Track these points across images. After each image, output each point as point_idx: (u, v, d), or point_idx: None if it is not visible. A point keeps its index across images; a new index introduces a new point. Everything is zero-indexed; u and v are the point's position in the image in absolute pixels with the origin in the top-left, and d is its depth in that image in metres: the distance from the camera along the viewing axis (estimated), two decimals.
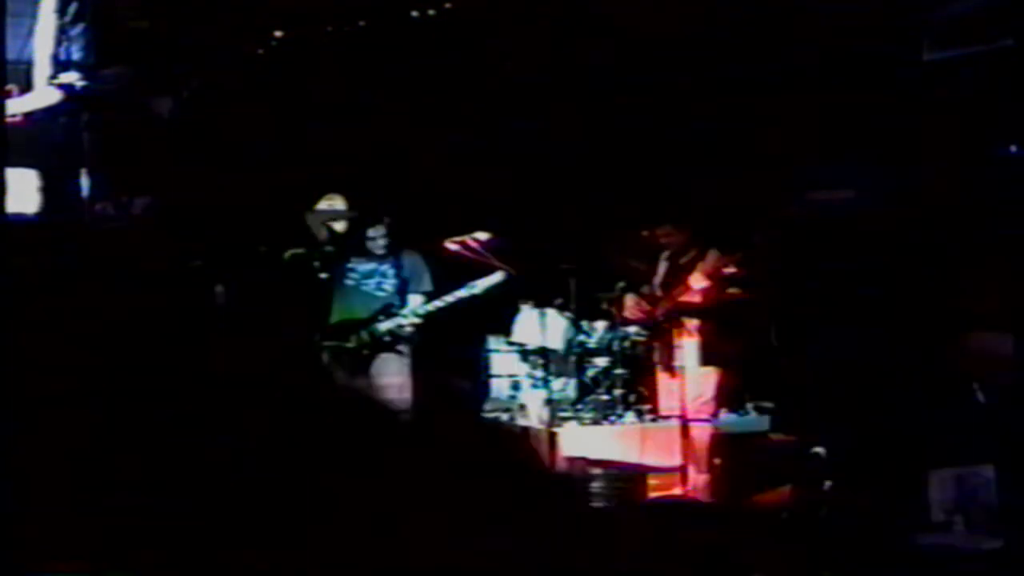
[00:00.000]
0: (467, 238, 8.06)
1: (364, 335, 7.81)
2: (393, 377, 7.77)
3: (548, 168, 8.78)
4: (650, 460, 7.54)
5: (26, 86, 5.26)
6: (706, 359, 7.42)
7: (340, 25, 8.24)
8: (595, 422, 8.32)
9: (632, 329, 8.26)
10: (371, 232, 7.92)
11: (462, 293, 7.76)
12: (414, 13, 8.09)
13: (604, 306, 8.76)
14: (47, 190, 5.22)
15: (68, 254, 5.29)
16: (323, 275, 7.94)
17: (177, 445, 4.67)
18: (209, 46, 7.83)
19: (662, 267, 7.78)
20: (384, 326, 7.79)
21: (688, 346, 7.48)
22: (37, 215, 5.19)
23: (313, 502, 4.26)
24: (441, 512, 4.03)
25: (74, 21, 5.33)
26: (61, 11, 5.32)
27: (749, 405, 8.21)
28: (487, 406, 8.80)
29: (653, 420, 8.06)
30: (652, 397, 8.11)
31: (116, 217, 6.27)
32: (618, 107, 8.57)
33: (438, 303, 7.77)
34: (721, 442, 7.33)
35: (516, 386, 8.80)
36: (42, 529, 3.92)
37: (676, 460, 7.39)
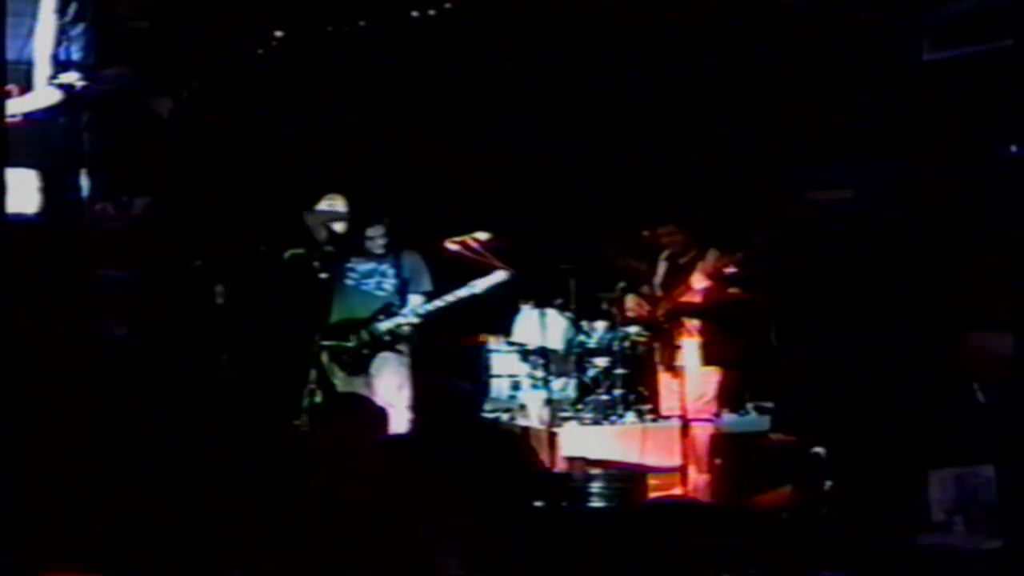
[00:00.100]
0: (467, 238, 8.07)
1: (364, 334, 7.82)
2: (392, 377, 7.78)
3: (548, 168, 8.78)
4: (650, 460, 7.55)
5: (26, 86, 5.27)
6: (707, 359, 7.42)
7: (340, 25, 8.24)
8: (595, 422, 8.33)
9: (633, 329, 8.27)
10: (370, 232, 7.93)
11: (462, 292, 7.76)
12: (414, 13, 8.09)
13: (604, 306, 8.76)
14: (47, 190, 5.22)
15: (68, 254, 5.30)
16: (323, 275, 7.94)
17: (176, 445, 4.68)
18: (209, 46, 7.82)
19: (662, 267, 7.79)
20: (384, 325, 7.79)
21: (689, 346, 7.49)
22: (37, 215, 5.19)
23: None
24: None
25: (74, 21, 5.33)
26: (61, 11, 5.32)
27: (749, 405, 8.22)
28: (487, 406, 8.80)
29: (653, 420, 8.07)
30: (653, 397, 8.12)
31: (116, 217, 6.27)
32: (618, 107, 8.57)
33: (438, 303, 7.78)
34: (721, 442, 7.33)
35: (516, 386, 8.81)
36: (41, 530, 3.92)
37: (676, 460, 7.39)
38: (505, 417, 8.64)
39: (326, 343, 7.84)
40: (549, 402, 8.36)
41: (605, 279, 8.67)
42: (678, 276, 7.58)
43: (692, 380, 7.45)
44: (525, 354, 8.78)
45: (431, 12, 8.04)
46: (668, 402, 7.70)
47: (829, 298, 7.62)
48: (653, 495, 7.10)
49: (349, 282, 7.97)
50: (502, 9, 8.16)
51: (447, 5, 8.00)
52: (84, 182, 5.47)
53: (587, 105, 8.58)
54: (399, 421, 7.38)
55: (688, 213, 7.83)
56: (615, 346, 8.54)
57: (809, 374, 7.56)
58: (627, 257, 8.31)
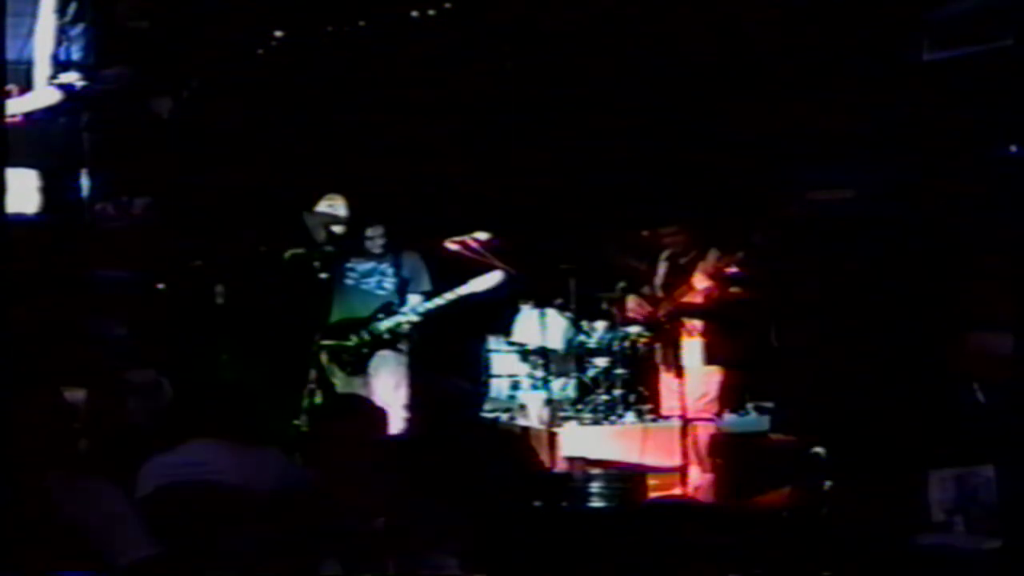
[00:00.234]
0: (467, 238, 8.07)
1: (364, 334, 7.82)
2: (389, 377, 7.78)
3: (548, 168, 8.77)
4: (650, 460, 7.55)
5: (26, 86, 5.27)
6: (709, 358, 7.43)
7: (340, 25, 8.23)
8: (595, 422, 8.32)
9: (633, 329, 8.26)
10: (369, 231, 7.94)
11: (462, 291, 7.77)
12: (414, 13, 8.09)
13: (604, 306, 8.76)
14: (47, 190, 5.23)
15: (68, 254, 5.31)
16: (323, 275, 7.95)
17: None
18: (209, 46, 7.83)
19: (663, 267, 7.79)
20: (384, 324, 7.80)
21: (690, 346, 7.49)
22: (37, 215, 5.20)
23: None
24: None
25: (74, 21, 5.34)
26: (61, 11, 5.33)
27: (749, 405, 8.21)
28: (487, 406, 8.80)
29: (653, 420, 8.07)
30: (654, 397, 8.12)
31: (116, 217, 6.27)
32: (618, 107, 8.57)
33: (439, 301, 7.79)
34: (721, 442, 7.33)
35: (516, 386, 8.80)
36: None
37: (676, 460, 7.39)
38: (505, 417, 8.64)
39: (326, 343, 7.85)
40: (549, 402, 8.36)
41: (605, 279, 8.67)
42: (679, 276, 7.58)
43: (693, 380, 7.46)
44: (525, 354, 8.78)
45: (431, 12, 8.04)
46: (669, 402, 7.70)
47: (829, 298, 7.61)
48: (653, 495, 7.09)
49: (349, 282, 7.98)
50: (502, 9, 8.16)
51: (447, 5, 8.00)
52: (84, 182, 5.48)
53: (587, 105, 8.57)
54: (395, 421, 7.39)
55: (688, 213, 7.83)
56: (615, 346, 8.54)
57: (809, 374, 7.55)
58: (627, 257, 8.31)
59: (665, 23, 7.96)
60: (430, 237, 8.21)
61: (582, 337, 8.72)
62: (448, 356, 8.40)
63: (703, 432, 7.34)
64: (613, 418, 8.31)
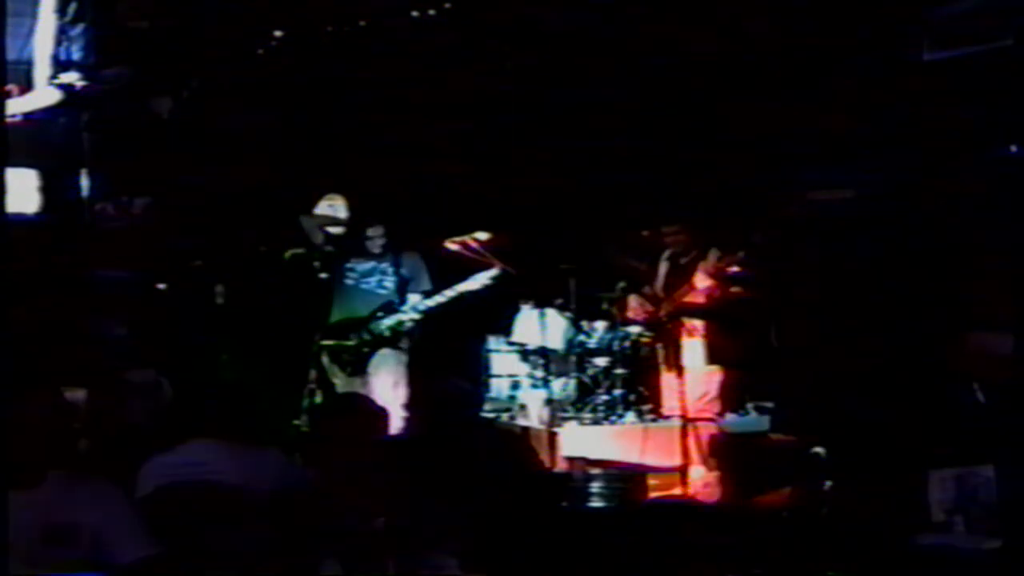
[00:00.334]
0: (467, 238, 8.08)
1: (364, 333, 7.83)
2: (388, 376, 7.78)
3: (548, 168, 8.77)
4: (650, 460, 7.54)
5: (26, 86, 5.27)
6: (711, 358, 7.43)
7: (340, 25, 8.23)
8: (595, 422, 8.32)
9: (633, 329, 8.26)
10: (369, 231, 7.95)
11: (462, 287, 7.78)
12: (414, 13, 8.08)
13: (604, 306, 8.76)
14: (47, 190, 5.23)
15: (68, 254, 5.31)
16: (323, 275, 7.95)
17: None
18: (209, 46, 7.83)
19: (664, 267, 7.79)
20: (385, 322, 7.81)
21: (691, 346, 7.49)
22: (37, 215, 5.20)
23: None
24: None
25: (74, 21, 5.34)
26: (61, 11, 5.33)
27: (749, 405, 8.21)
28: (487, 406, 8.80)
29: (653, 420, 8.06)
30: (655, 397, 8.12)
31: (116, 217, 6.27)
32: (618, 107, 8.57)
33: (439, 298, 7.80)
34: (721, 442, 7.33)
35: (516, 386, 8.80)
36: None
37: (676, 460, 7.39)
38: (505, 417, 8.64)
39: (327, 343, 7.85)
40: (549, 402, 8.35)
41: (605, 279, 8.67)
42: (680, 276, 7.58)
43: (694, 380, 7.46)
44: (525, 354, 8.78)
45: (431, 12, 8.04)
46: (670, 402, 7.70)
47: (829, 298, 7.62)
48: (653, 495, 7.09)
49: (349, 282, 7.98)
50: (502, 9, 8.15)
51: (447, 5, 8.00)
52: (84, 182, 5.48)
53: (587, 105, 8.57)
54: (395, 420, 7.38)
55: (689, 213, 7.83)
56: (615, 346, 8.53)
57: (809, 374, 7.56)
58: (627, 257, 8.31)
59: (665, 23, 7.96)
60: (430, 237, 8.21)
61: (582, 337, 8.71)
62: (448, 356, 8.39)
63: (704, 432, 7.34)
64: (613, 418, 8.31)
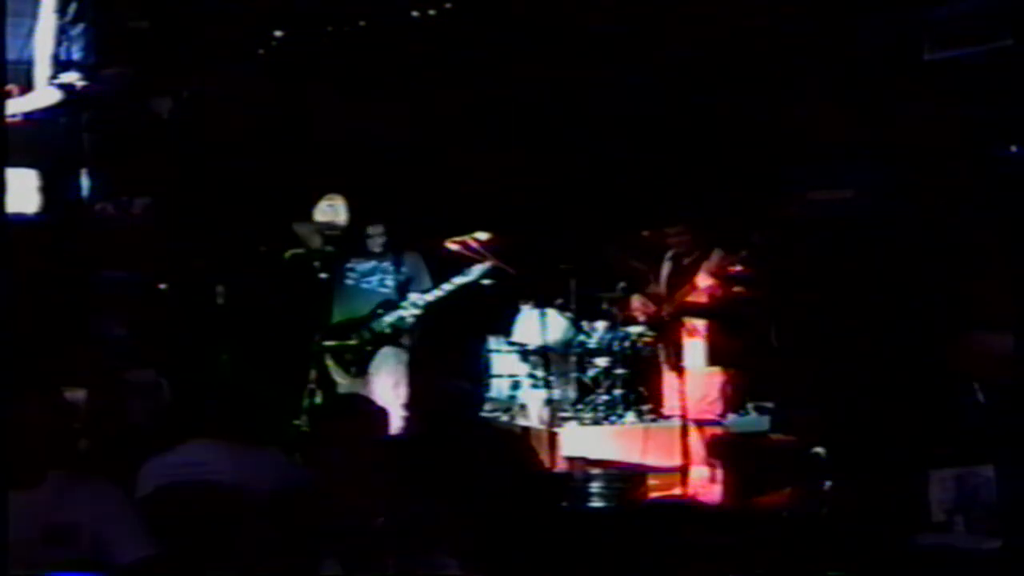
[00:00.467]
0: (467, 238, 8.08)
1: (365, 333, 7.84)
2: (388, 376, 7.79)
3: (548, 168, 8.78)
4: (650, 460, 7.54)
5: (26, 86, 5.27)
6: (713, 359, 7.43)
7: (340, 25, 8.24)
8: (595, 422, 8.32)
9: (634, 329, 8.26)
10: (369, 231, 7.96)
11: (459, 280, 7.79)
12: (414, 13, 8.09)
13: (604, 306, 8.76)
14: (47, 190, 5.23)
15: (68, 254, 5.31)
16: (323, 275, 7.95)
17: None
18: (209, 46, 7.83)
19: (666, 267, 7.79)
20: (387, 319, 7.83)
21: (692, 346, 7.49)
22: (37, 215, 5.20)
23: None
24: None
25: (74, 21, 5.34)
26: (61, 11, 5.33)
27: (749, 405, 8.21)
28: (487, 406, 8.80)
29: (653, 420, 8.06)
30: (656, 397, 8.12)
31: (116, 217, 6.28)
32: (618, 107, 8.57)
33: (438, 292, 7.81)
34: (722, 442, 7.33)
35: (516, 386, 8.79)
36: None
37: (676, 460, 7.39)
38: (505, 417, 8.63)
39: (329, 343, 7.86)
40: (549, 402, 8.35)
41: (605, 279, 8.67)
42: (683, 276, 7.59)
43: (695, 380, 7.46)
44: (525, 354, 8.78)
45: (431, 12, 8.04)
46: (671, 402, 7.70)
47: (829, 298, 7.62)
48: (653, 495, 7.09)
49: (349, 282, 7.99)
50: (502, 9, 8.16)
51: (447, 5, 8.00)
52: (84, 182, 5.48)
53: (588, 105, 8.58)
54: (395, 420, 7.39)
55: (690, 213, 7.83)
56: (615, 346, 8.53)
57: (809, 374, 7.56)
58: (628, 257, 8.31)
59: (666, 23, 7.96)
60: (430, 237, 8.22)
61: (582, 337, 8.71)
62: (448, 356, 8.39)
63: (704, 433, 7.34)
64: (613, 418, 8.31)
